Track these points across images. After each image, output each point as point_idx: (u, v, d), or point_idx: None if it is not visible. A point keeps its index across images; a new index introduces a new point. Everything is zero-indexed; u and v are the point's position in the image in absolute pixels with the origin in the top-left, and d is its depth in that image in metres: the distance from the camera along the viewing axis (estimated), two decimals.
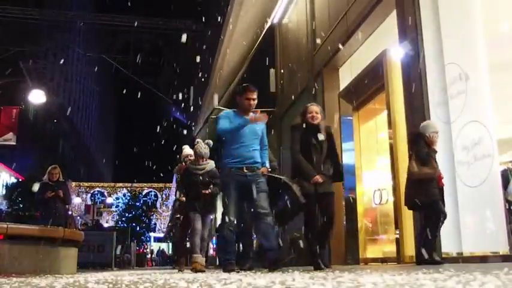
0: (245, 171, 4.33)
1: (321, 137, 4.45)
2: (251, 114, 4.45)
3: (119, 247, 13.39)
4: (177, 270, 6.43)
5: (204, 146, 5.94)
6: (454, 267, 3.19)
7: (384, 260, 6.70)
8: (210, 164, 5.95)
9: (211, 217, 6.31)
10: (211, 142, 6.03)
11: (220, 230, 4.42)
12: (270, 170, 4.78)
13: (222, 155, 4.60)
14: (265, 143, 4.63)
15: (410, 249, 5.77)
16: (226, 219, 4.30)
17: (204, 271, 5.39)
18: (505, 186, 6.22)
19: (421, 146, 4.71)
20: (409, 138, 5.26)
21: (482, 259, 4.66)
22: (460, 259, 4.79)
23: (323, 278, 2.28)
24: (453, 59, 5.32)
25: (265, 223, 4.25)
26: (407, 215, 5.74)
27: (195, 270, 5.30)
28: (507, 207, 5.50)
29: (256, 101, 4.52)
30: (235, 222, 4.30)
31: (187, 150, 6.69)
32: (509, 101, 6.80)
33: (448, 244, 4.97)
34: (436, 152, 4.73)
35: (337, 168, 4.65)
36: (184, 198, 6.15)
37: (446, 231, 4.88)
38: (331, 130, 4.74)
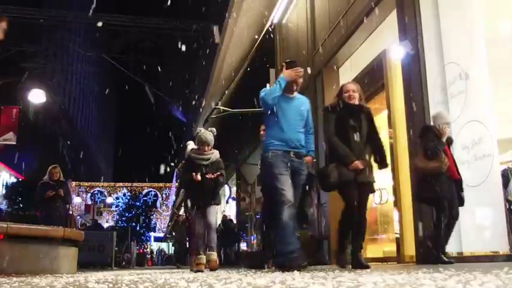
0: (292, 156, 3.85)
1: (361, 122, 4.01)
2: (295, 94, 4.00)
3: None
4: (177, 270, 6.42)
5: (208, 133, 5.46)
6: (454, 266, 3.19)
7: (384, 260, 6.71)
8: (215, 154, 5.45)
9: (217, 207, 5.69)
10: (214, 130, 5.59)
11: (276, 217, 3.68)
12: (315, 160, 4.26)
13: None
14: (310, 126, 4.16)
15: (410, 248, 5.77)
16: (283, 199, 3.63)
17: (216, 269, 5.04)
18: (505, 185, 6.22)
19: (429, 138, 4.46)
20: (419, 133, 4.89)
21: (483, 259, 4.66)
22: (461, 259, 4.79)
23: (323, 278, 2.28)
24: (453, 59, 5.32)
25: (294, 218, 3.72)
26: (407, 215, 5.74)
27: (206, 267, 5.06)
28: (507, 206, 5.50)
29: (301, 80, 4.05)
30: (294, 202, 3.67)
31: (190, 146, 6.29)
32: (509, 100, 6.80)
33: (448, 244, 4.97)
34: (444, 144, 4.48)
35: (381, 154, 4.09)
36: (199, 177, 5.25)
37: None
38: (371, 111, 4.25)
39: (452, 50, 5.37)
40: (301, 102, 4.07)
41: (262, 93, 3.90)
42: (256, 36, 12.52)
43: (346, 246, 4.05)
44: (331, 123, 4.05)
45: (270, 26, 11.99)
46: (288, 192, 3.65)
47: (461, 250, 4.96)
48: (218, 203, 5.69)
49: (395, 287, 1.62)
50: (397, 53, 6.09)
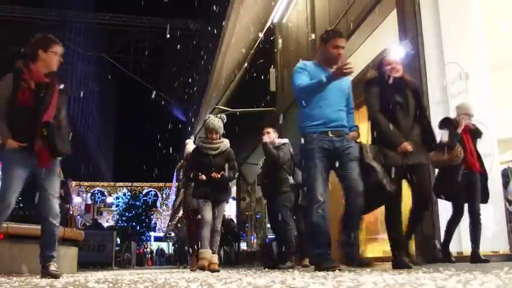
0: (331, 135, 3.41)
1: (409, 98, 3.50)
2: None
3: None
4: (178, 270, 6.40)
5: (216, 119, 5.06)
6: (454, 266, 3.19)
7: (384, 260, 6.70)
8: (225, 143, 5.03)
9: (225, 204, 5.25)
10: (224, 116, 5.21)
11: (306, 215, 3.41)
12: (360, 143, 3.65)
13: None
14: (351, 105, 3.69)
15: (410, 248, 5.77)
16: (312, 197, 3.33)
17: (218, 270, 4.66)
18: (505, 185, 6.22)
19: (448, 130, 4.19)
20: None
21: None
22: (461, 258, 4.78)
23: (323, 278, 2.28)
24: (453, 59, 5.32)
25: (359, 203, 3.30)
26: (408, 215, 5.73)
27: (206, 269, 4.65)
28: (507, 206, 5.50)
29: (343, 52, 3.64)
30: (325, 202, 3.30)
31: (190, 146, 6.38)
32: (509, 100, 6.80)
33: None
34: (458, 135, 4.19)
35: (430, 134, 3.57)
36: (204, 177, 4.85)
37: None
38: (418, 86, 3.79)
39: (452, 49, 5.37)
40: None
41: (298, 85, 3.47)
42: (257, 36, 12.52)
43: (400, 242, 3.53)
44: (375, 97, 3.54)
45: (270, 25, 12.00)
46: (319, 189, 3.30)
47: (461, 250, 4.96)
48: (227, 200, 5.29)
49: (395, 286, 1.62)
50: (397, 52, 6.08)
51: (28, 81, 3.43)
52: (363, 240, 7.51)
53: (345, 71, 3.34)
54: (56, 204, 3.53)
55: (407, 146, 3.39)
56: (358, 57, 7.82)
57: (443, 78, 5.40)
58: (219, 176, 4.81)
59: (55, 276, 3.31)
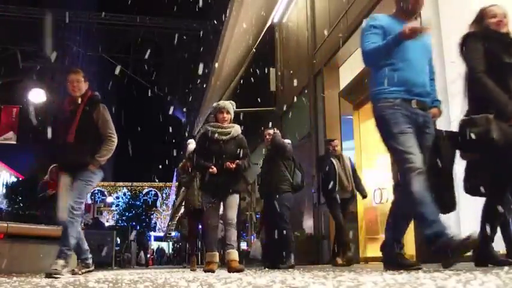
0: (414, 106, 2.74)
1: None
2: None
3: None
4: (178, 270, 6.39)
5: (228, 102, 4.59)
6: (455, 266, 3.18)
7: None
8: (237, 128, 4.48)
9: (237, 197, 4.53)
10: (234, 104, 4.71)
11: (405, 191, 2.67)
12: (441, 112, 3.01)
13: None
14: (433, 69, 3.06)
15: (410, 248, 5.76)
16: (408, 166, 2.61)
17: (242, 269, 4.09)
18: None
19: None
20: None
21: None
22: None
23: (323, 277, 2.28)
24: (453, 58, 5.31)
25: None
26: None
27: (231, 270, 4.04)
28: None
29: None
30: (424, 172, 2.59)
31: (192, 145, 6.29)
32: None
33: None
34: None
35: None
36: (215, 170, 4.23)
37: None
38: None
39: (453, 49, 5.36)
40: None
41: (366, 49, 2.82)
42: (257, 36, 12.52)
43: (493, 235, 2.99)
44: (479, 55, 2.86)
45: (270, 25, 12.00)
46: (416, 157, 2.61)
47: None
48: (241, 190, 4.63)
49: (395, 286, 1.62)
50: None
51: None
52: (362, 240, 7.52)
53: (416, 34, 2.63)
54: None
55: None
56: (358, 57, 7.83)
57: (443, 77, 5.39)
58: (233, 166, 4.20)
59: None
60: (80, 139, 3.81)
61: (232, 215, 4.31)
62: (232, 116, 4.54)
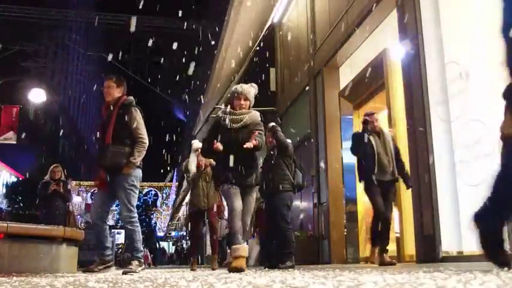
0: None
1: None
2: None
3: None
4: (178, 270, 6.38)
5: (247, 85, 4.10)
6: (455, 266, 3.19)
7: None
8: (253, 115, 3.95)
9: (255, 195, 4.08)
10: (256, 86, 4.25)
11: None
12: None
13: None
14: None
15: (410, 248, 5.77)
16: None
17: (243, 270, 3.59)
18: None
19: None
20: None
21: (483, 258, 4.65)
22: (461, 258, 4.79)
23: (323, 277, 2.28)
24: (453, 58, 5.32)
25: None
26: (408, 214, 5.74)
27: (236, 270, 3.54)
28: None
29: None
30: None
31: (196, 144, 6.25)
32: None
33: (448, 243, 4.97)
34: None
35: None
36: (220, 146, 3.75)
37: (446, 230, 4.87)
38: None
39: (453, 49, 5.37)
40: None
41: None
42: (257, 36, 12.52)
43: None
44: None
45: (270, 25, 12.00)
46: None
47: (461, 249, 4.96)
48: (255, 183, 4.02)
49: (395, 286, 1.61)
50: (397, 52, 6.09)
51: None
52: (362, 240, 7.52)
53: None
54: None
55: None
56: (358, 57, 7.83)
57: (443, 77, 5.39)
58: (252, 145, 3.62)
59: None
60: (116, 141, 4.09)
61: (248, 219, 3.98)
62: (253, 102, 4.06)
